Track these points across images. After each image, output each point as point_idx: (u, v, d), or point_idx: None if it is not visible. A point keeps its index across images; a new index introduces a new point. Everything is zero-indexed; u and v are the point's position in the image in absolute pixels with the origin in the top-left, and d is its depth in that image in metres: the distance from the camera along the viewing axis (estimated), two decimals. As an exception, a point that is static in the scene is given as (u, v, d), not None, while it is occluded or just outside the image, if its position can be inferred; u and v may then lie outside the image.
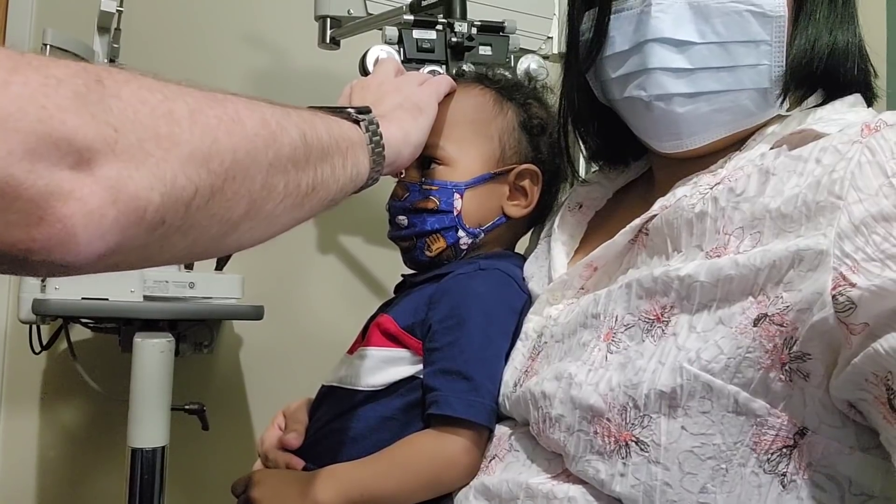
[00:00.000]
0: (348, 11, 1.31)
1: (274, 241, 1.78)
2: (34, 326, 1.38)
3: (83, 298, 1.22)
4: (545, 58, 1.33)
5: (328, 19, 1.33)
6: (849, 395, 0.51)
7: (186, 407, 1.32)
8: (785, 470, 0.52)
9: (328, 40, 1.34)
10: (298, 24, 1.51)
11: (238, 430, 1.56)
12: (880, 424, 0.50)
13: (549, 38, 1.37)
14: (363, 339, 0.77)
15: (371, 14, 1.29)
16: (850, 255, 0.49)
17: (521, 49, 1.15)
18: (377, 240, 1.60)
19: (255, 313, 1.35)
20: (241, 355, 1.63)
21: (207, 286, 1.35)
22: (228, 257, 1.44)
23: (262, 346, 1.61)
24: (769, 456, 0.52)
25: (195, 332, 1.42)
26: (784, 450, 0.52)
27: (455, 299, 0.72)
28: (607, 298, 0.61)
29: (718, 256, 0.55)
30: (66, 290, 1.22)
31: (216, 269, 1.43)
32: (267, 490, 0.70)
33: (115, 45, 1.39)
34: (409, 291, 0.79)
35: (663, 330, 0.56)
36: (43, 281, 1.22)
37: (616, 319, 0.60)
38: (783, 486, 0.52)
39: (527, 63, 1.12)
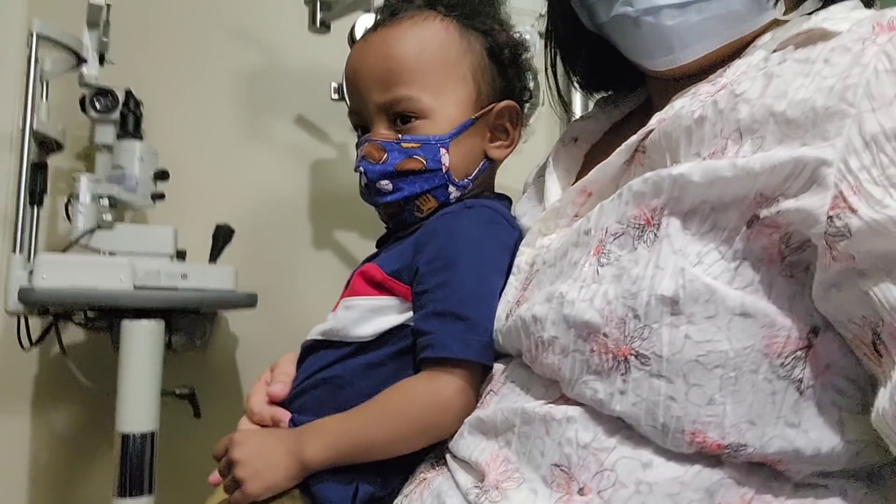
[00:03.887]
0: (338, -6, 1.29)
1: (267, 233, 1.78)
2: (23, 320, 1.35)
3: (71, 287, 1.18)
4: (540, 35, 1.31)
5: (318, 2, 1.31)
6: (827, 316, 0.48)
7: (177, 391, 1.28)
8: (801, 375, 0.48)
9: (319, 24, 1.32)
10: (288, 16, 1.51)
11: (231, 419, 1.51)
12: (859, 356, 0.48)
13: (541, 15, 1.35)
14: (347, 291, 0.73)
15: (360, -5, 1.28)
16: (854, 173, 0.45)
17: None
18: (371, 234, 1.57)
19: (249, 301, 1.32)
20: (234, 348, 1.59)
21: (200, 277, 1.32)
22: (222, 248, 1.41)
23: (256, 338, 1.57)
24: (783, 360, 0.48)
25: (188, 324, 1.39)
26: (798, 353, 0.48)
27: (442, 239, 0.68)
28: (599, 213, 0.58)
29: (715, 159, 0.52)
30: (54, 279, 1.18)
31: (210, 260, 1.40)
32: (249, 449, 0.66)
33: (105, 40, 1.37)
34: (394, 243, 0.75)
35: (655, 234, 0.52)
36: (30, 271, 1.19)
37: (605, 231, 0.56)
38: (799, 393, 0.48)
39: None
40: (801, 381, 0.48)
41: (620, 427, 0.52)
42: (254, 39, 1.63)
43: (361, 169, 0.72)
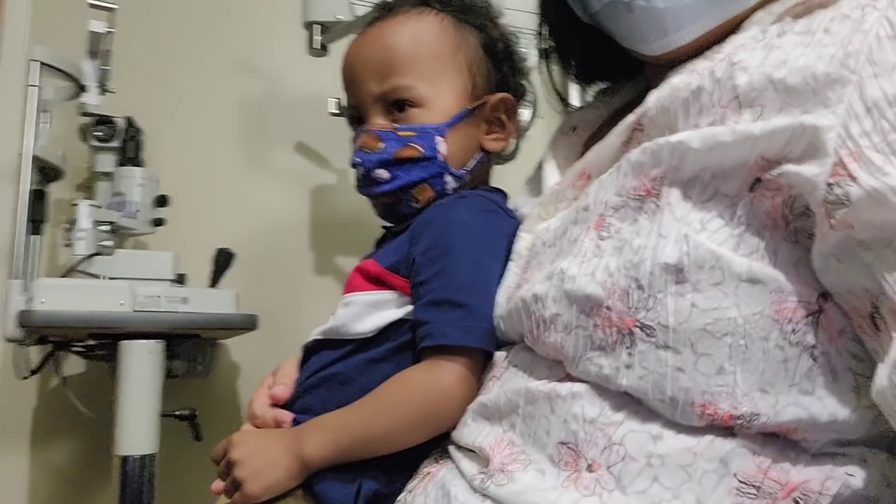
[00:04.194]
0: (335, 17, 1.31)
1: (268, 258, 1.76)
2: (22, 349, 1.33)
3: (71, 311, 1.17)
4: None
5: (316, 26, 1.33)
6: (828, 286, 0.47)
7: (177, 413, 1.26)
8: (814, 341, 0.47)
9: (317, 47, 1.33)
10: (287, 42, 1.53)
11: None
12: (856, 329, 0.47)
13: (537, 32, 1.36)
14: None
15: (358, 17, 1.29)
16: (855, 139, 0.44)
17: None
18: (375, 258, 1.57)
19: (249, 322, 1.30)
20: (236, 374, 1.57)
21: (201, 301, 1.30)
22: (223, 273, 1.40)
23: (257, 364, 1.54)
24: (794, 326, 0.47)
25: (189, 349, 1.37)
26: (809, 318, 0.47)
27: (437, 228, 0.67)
28: (598, 187, 0.57)
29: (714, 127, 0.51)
30: (53, 303, 1.17)
31: (210, 285, 1.39)
32: (248, 449, 0.64)
33: (106, 68, 1.39)
34: (391, 239, 0.74)
35: (656, 204, 0.51)
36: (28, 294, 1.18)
37: (605, 205, 0.55)
38: (813, 359, 0.47)
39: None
40: (814, 346, 0.47)
41: (628, 402, 0.50)
42: (253, 65, 1.65)
43: (359, 160, 0.72)
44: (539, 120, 1.23)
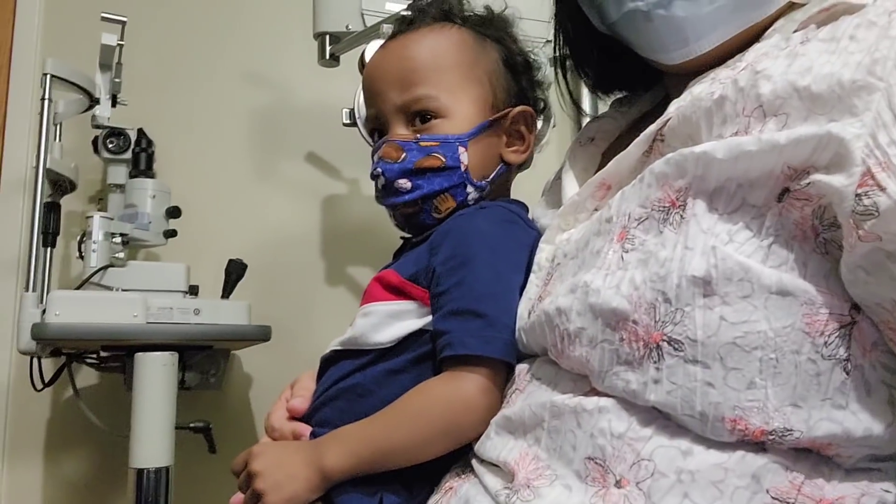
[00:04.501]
0: (346, 27, 1.31)
1: (280, 269, 1.76)
2: (36, 361, 1.33)
3: (84, 323, 1.17)
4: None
5: (327, 36, 1.33)
6: (856, 299, 0.46)
7: (192, 425, 1.25)
8: (846, 354, 0.46)
9: (328, 57, 1.33)
10: (298, 53, 1.53)
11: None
12: (887, 342, 0.46)
13: (547, 41, 1.35)
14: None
15: (369, 27, 1.29)
16: (883, 148, 0.43)
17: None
18: (387, 268, 1.56)
19: (263, 333, 1.30)
20: (248, 386, 1.57)
21: (213, 313, 1.30)
22: (235, 284, 1.40)
23: (269, 375, 1.55)
24: (826, 339, 0.46)
25: (201, 361, 1.37)
26: (842, 330, 0.46)
27: (457, 238, 0.67)
28: (620, 199, 0.56)
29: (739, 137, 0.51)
30: (67, 315, 1.17)
31: (222, 296, 1.39)
32: (268, 460, 0.64)
33: (118, 80, 1.39)
34: (410, 250, 0.74)
35: (682, 215, 0.50)
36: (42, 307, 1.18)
37: (628, 217, 0.54)
38: (846, 373, 0.46)
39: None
40: (847, 360, 0.46)
41: (656, 416, 0.49)
42: (263, 76, 1.65)
43: (379, 170, 0.72)
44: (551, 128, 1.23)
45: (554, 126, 1.22)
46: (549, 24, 1.38)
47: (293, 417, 0.71)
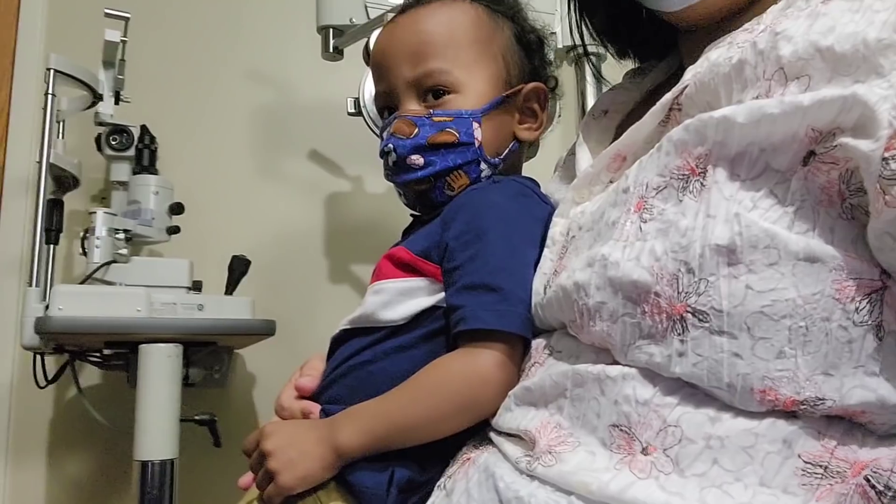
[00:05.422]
0: (350, 20, 1.30)
1: (283, 265, 1.75)
2: (39, 358, 1.32)
3: (88, 317, 1.15)
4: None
5: (330, 29, 1.32)
6: (884, 266, 0.45)
7: (196, 417, 1.24)
8: (879, 319, 0.44)
9: (332, 50, 1.33)
10: (301, 49, 1.53)
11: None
12: None
13: (552, 33, 1.35)
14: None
15: (373, 19, 1.29)
16: None
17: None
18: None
19: (267, 328, 1.28)
20: (252, 383, 1.55)
21: (217, 308, 1.29)
22: (238, 280, 1.39)
23: (273, 372, 1.53)
24: (857, 305, 0.44)
25: (205, 357, 1.35)
26: (873, 295, 0.44)
27: (470, 213, 0.66)
28: (638, 169, 0.54)
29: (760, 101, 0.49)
30: (70, 310, 1.16)
31: (226, 292, 1.38)
32: (281, 439, 0.62)
33: (121, 77, 1.39)
34: (421, 227, 0.73)
35: (702, 183, 0.49)
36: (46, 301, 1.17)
37: (646, 186, 0.52)
38: (879, 339, 0.44)
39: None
40: (879, 325, 0.44)
41: (682, 385, 0.48)
42: (266, 72, 1.64)
43: (391, 146, 0.70)
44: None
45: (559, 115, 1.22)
46: (554, 15, 1.38)
47: (302, 397, 0.70)
